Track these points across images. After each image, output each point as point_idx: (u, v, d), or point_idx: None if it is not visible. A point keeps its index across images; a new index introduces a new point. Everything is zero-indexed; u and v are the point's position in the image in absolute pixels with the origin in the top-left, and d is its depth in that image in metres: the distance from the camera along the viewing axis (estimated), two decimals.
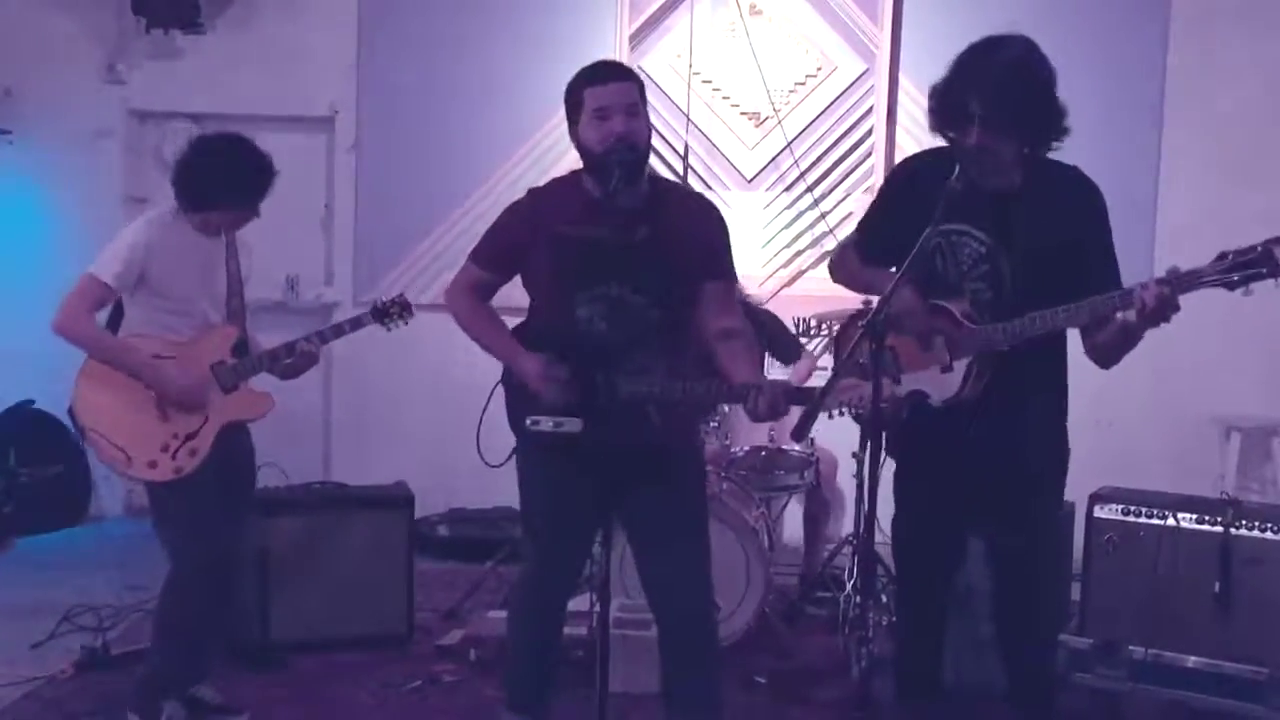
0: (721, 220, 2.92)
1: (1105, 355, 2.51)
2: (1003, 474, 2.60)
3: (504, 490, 5.18)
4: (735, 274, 2.95)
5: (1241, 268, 2.28)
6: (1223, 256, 2.31)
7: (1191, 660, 3.38)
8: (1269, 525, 3.39)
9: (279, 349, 3.46)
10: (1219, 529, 3.43)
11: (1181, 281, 2.33)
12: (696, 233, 2.81)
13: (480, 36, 5.87)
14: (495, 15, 5.85)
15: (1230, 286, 2.31)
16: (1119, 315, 2.40)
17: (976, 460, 2.59)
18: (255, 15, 5.97)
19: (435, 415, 5.87)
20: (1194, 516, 3.48)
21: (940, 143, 2.70)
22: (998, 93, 2.46)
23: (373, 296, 5.50)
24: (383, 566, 4.17)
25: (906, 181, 2.74)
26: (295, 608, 4.02)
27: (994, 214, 2.55)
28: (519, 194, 2.97)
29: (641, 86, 2.77)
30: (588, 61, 2.88)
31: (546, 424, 2.67)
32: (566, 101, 2.80)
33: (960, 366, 2.54)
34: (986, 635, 3.17)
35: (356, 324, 3.66)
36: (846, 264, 2.81)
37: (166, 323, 3.31)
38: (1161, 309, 2.33)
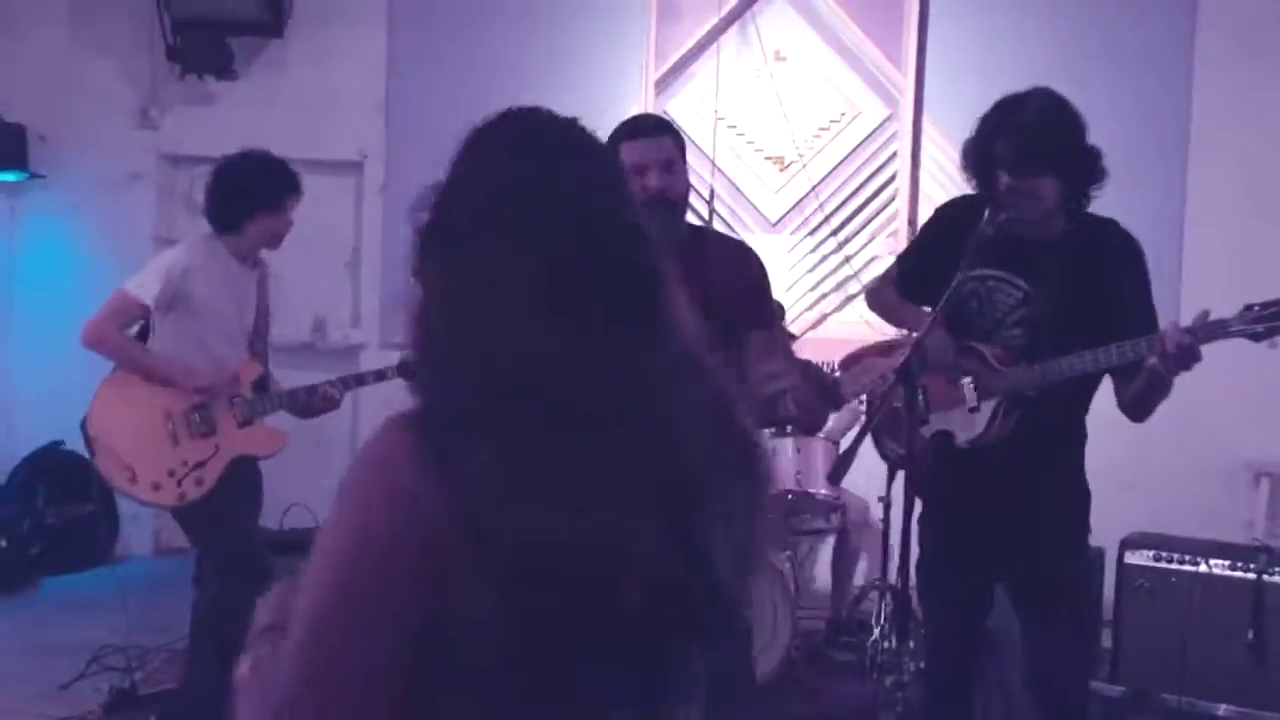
0: (761, 265, 2.91)
1: (1138, 407, 2.51)
2: (1025, 518, 2.59)
3: None
4: (777, 320, 2.95)
5: (1267, 320, 2.28)
6: (1249, 308, 2.32)
7: (1224, 708, 3.36)
8: None
9: (299, 390, 3.49)
10: (1252, 575, 3.42)
11: (1205, 331, 2.33)
12: (736, 279, 2.79)
13: (507, 82, 5.92)
14: (522, 61, 5.92)
15: (1255, 338, 2.31)
16: (1147, 363, 2.40)
17: (999, 503, 2.59)
18: (286, 61, 6.06)
19: None
20: (1226, 563, 3.47)
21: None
22: (1023, 134, 2.48)
23: (399, 339, 5.56)
24: None
25: (945, 224, 2.77)
26: None
27: (1032, 262, 2.57)
28: None
29: (681, 141, 2.78)
30: (613, 107, 2.90)
31: None
32: None
33: (987, 407, 2.55)
34: (1017, 681, 3.14)
35: (380, 376, 3.65)
36: (883, 297, 2.85)
37: (190, 354, 3.35)
38: (1183, 357, 2.33)
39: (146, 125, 6.10)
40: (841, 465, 2.22)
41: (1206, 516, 4.82)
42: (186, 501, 3.30)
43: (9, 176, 5.84)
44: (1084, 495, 2.69)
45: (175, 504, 3.31)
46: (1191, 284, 5.44)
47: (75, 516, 5.65)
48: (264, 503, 3.65)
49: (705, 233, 2.87)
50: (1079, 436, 2.68)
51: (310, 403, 3.49)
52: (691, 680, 1.22)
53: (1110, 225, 2.64)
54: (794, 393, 2.50)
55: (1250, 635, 3.38)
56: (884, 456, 2.77)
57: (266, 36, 5.97)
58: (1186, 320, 2.40)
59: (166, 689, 3.69)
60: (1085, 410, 2.67)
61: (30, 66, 6.04)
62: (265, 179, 3.42)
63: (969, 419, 2.56)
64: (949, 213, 2.82)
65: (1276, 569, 3.41)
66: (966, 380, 2.56)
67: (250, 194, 3.38)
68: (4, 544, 5.38)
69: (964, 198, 2.80)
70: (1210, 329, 2.33)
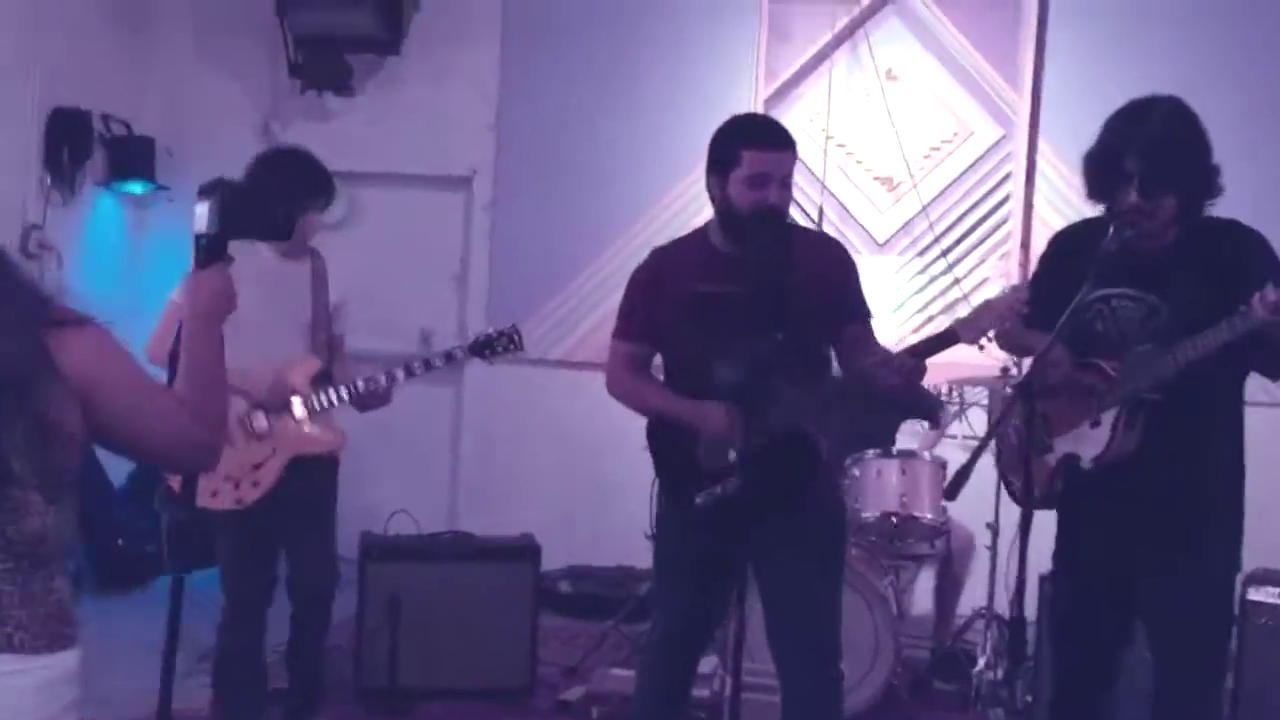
0: (850, 260, 2.93)
1: (1268, 367, 2.41)
2: (1166, 544, 2.48)
3: (624, 549, 5.23)
4: (870, 312, 2.91)
5: None
6: None
7: None
8: None
9: (350, 385, 3.42)
10: None
11: None
12: (827, 276, 2.81)
13: (616, 99, 5.98)
14: (631, 77, 5.96)
15: None
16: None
17: (1136, 529, 2.49)
18: (402, 79, 6.19)
19: (558, 471, 5.93)
20: None
21: (1092, 213, 2.66)
22: (1154, 150, 2.42)
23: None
24: (507, 618, 4.19)
25: (1063, 250, 2.71)
26: (422, 654, 4.06)
27: (1153, 273, 2.50)
28: (645, 254, 2.99)
29: (796, 155, 2.78)
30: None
31: (713, 494, 2.67)
32: (717, 151, 2.76)
33: (1108, 420, 2.46)
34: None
35: (448, 358, 3.54)
36: (1010, 329, 2.79)
37: (239, 356, 3.32)
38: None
39: (268, 139, 6.27)
40: (958, 481, 2.17)
41: None
42: (244, 505, 3.31)
43: (137, 188, 6.03)
44: (1231, 509, 2.54)
45: (234, 507, 3.31)
46: None
47: (190, 517, 5.77)
48: (367, 509, 3.68)
49: (794, 232, 2.85)
50: (1221, 450, 2.54)
51: (361, 397, 3.43)
52: None
53: (1231, 225, 2.55)
54: (891, 362, 2.50)
55: None
56: (1012, 496, 2.67)
57: (384, 54, 6.11)
58: None
59: (273, 689, 3.74)
60: (1230, 419, 2.54)
61: (159, 82, 6.27)
62: (292, 178, 3.34)
63: (1091, 436, 2.48)
64: (1066, 239, 2.76)
65: None
66: (1091, 398, 2.48)
67: (279, 190, 3.33)
68: (121, 543, 5.54)
69: (1079, 223, 2.74)
70: None
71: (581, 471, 5.85)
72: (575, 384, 5.60)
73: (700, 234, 2.89)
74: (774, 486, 2.62)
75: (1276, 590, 3.39)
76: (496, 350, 3.54)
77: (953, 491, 2.19)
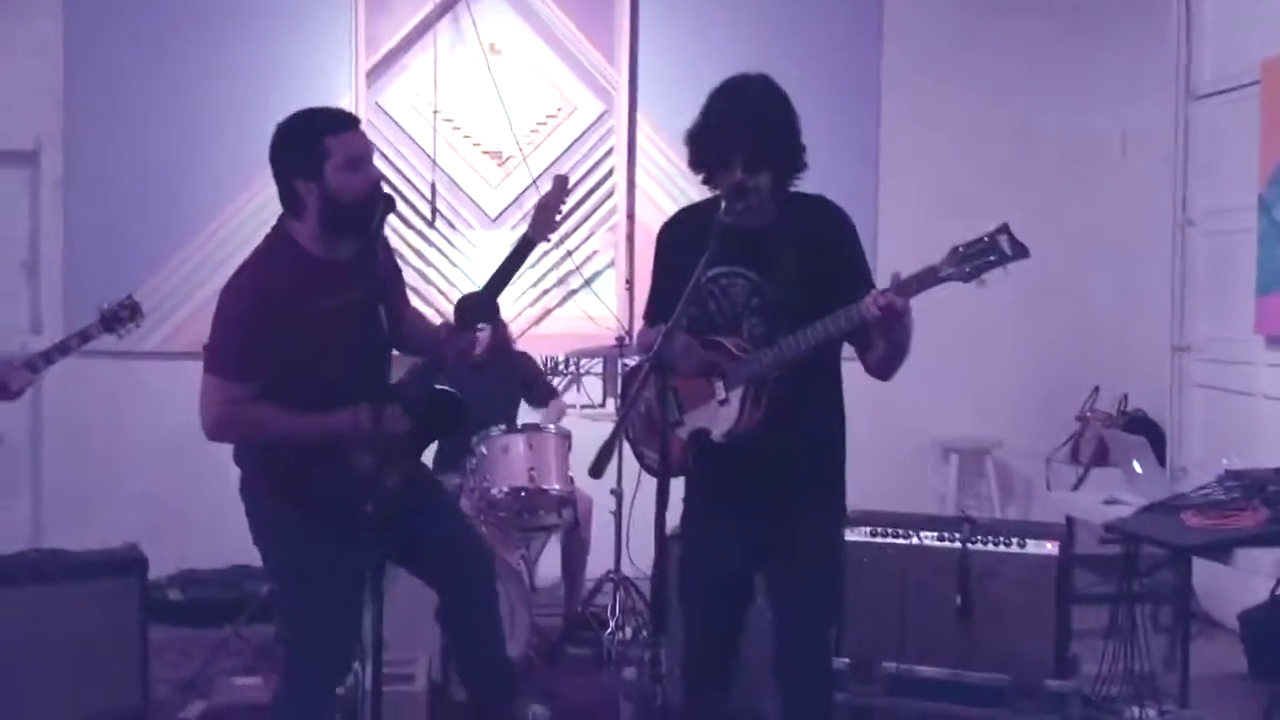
0: (390, 246, 3.00)
1: (881, 369, 2.59)
2: (786, 503, 2.64)
3: (239, 548, 4.91)
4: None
5: (972, 259, 2.39)
6: (955, 250, 2.42)
7: (939, 672, 3.59)
8: (1000, 539, 3.65)
9: None
10: (957, 545, 3.66)
11: (918, 281, 2.42)
12: (390, 266, 2.92)
13: (202, 65, 5.55)
14: (217, 45, 5.56)
15: (965, 279, 2.40)
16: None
17: (762, 491, 2.63)
18: None
19: (161, 469, 5.48)
20: (934, 535, 3.71)
21: (691, 186, 2.78)
22: (755, 127, 2.53)
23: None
24: (111, 637, 3.82)
25: (672, 239, 2.77)
26: (13, 690, 3.62)
27: (755, 250, 2.62)
28: (249, 233, 2.84)
29: None
30: (319, 98, 2.79)
31: (383, 492, 2.68)
32: (298, 153, 2.65)
33: (736, 398, 2.58)
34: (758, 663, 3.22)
35: (85, 337, 3.47)
36: (641, 336, 2.86)
37: None
38: (888, 316, 2.41)
39: None
40: (602, 458, 2.18)
41: (903, 492, 5.17)
42: None
43: None
44: (839, 472, 2.75)
45: None
46: (886, 272, 5.81)
47: None
48: None
49: None
50: (832, 412, 2.75)
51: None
52: None
53: (820, 201, 2.72)
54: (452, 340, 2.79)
55: (958, 601, 3.62)
56: (645, 468, 2.73)
57: None
58: None
59: None
60: (835, 385, 2.74)
61: None
62: None
63: (721, 412, 2.59)
64: (674, 228, 2.82)
65: (978, 538, 3.67)
66: (717, 375, 2.58)
67: None
68: None
69: (682, 211, 2.83)
70: (923, 278, 2.42)
71: (188, 467, 5.39)
72: (175, 375, 5.18)
73: (289, 244, 2.69)
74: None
75: (867, 529, 3.73)
76: (122, 320, 3.54)
77: (598, 469, 2.20)
